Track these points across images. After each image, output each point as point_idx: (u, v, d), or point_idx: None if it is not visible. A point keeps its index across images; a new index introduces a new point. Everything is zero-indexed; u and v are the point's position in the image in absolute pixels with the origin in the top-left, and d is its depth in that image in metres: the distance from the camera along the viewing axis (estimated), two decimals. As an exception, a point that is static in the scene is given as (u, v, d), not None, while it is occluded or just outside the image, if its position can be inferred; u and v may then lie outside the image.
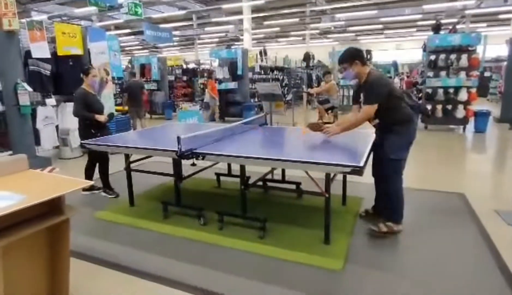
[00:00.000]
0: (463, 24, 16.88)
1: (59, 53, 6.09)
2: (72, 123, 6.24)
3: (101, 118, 4.04)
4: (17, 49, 5.40)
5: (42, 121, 5.93)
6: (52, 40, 6.05)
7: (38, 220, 1.90)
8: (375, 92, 2.84)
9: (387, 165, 2.93)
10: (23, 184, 2.04)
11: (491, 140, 7.70)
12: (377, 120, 2.98)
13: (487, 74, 17.57)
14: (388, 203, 3.04)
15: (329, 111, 8.23)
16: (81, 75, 4.16)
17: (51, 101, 6.11)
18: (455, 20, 16.85)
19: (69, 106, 6.27)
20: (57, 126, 6.24)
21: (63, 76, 6.28)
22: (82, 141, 3.91)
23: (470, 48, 8.26)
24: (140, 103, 8.53)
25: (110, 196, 4.16)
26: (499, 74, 15.60)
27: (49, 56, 5.89)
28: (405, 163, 3.00)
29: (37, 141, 5.95)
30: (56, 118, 6.20)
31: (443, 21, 14.07)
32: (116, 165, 4.48)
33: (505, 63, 11.92)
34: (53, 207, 1.98)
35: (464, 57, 8.15)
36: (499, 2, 14.65)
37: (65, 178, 2.17)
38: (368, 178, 2.75)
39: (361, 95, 3.04)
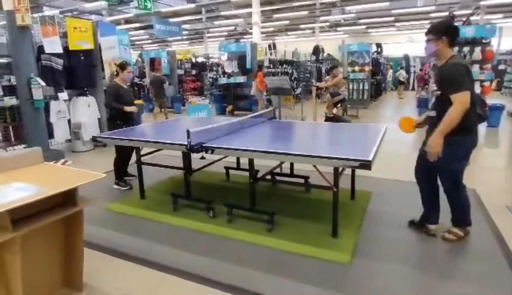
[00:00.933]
0: (477, 16, 16.46)
1: (71, 47, 6.17)
2: (84, 117, 6.37)
3: (131, 108, 4.27)
4: (30, 44, 5.49)
5: (56, 115, 6.06)
6: (64, 35, 6.13)
7: (54, 211, 1.96)
8: (465, 78, 2.42)
9: (446, 176, 2.69)
10: (39, 176, 2.10)
11: (504, 135, 7.55)
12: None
13: (501, 67, 17.15)
14: (459, 210, 2.79)
15: (338, 105, 8.17)
16: (116, 69, 4.48)
17: (64, 95, 6.22)
18: (469, 11, 16.44)
19: (81, 100, 6.39)
20: (69, 120, 6.35)
21: (75, 71, 6.37)
22: (94, 135, 4.00)
23: (484, 41, 8.07)
24: (163, 96, 10.32)
25: (123, 188, 4.24)
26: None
27: (61, 51, 5.98)
28: (463, 174, 2.70)
29: (50, 135, 6.08)
30: (68, 112, 6.31)
31: (457, 13, 13.76)
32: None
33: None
34: (68, 198, 2.04)
35: (477, 50, 7.96)
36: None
37: (79, 171, 2.23)
38: (376, 172, 2.74)
39: (435, 81, 2.64)
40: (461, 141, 2.53)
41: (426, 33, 2.67)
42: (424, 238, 2.86)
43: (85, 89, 6.50)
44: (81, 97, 6.41)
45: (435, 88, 2.62)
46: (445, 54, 2.58)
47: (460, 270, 2.43)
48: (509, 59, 17.07)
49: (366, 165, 2.35)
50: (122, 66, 4.38)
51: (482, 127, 8.01)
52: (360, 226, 3.10)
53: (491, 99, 8.70)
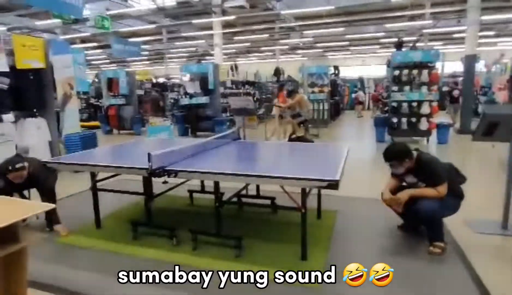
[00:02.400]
0: (422, 42, 17.97)
1: (18, 66, 5.73)
2: (32, 139, 5.88)
3: None
4: (-30, 62, 5.04)
5: (-4, 139, 5.50)
6: (10, 53, 5.70)
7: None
8: (440, 168, 2.90)
9: (428, 216, 2.88)
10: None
11: (453, 151, 8.11)
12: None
13: (445, 88, 18.70)
14: (434, 230, 2.95)
15: (301, 125, 8.33)
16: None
17: (9, 117, 5.71)
18: (414, 38, 17.91)
19: (30, 122, 5.91)
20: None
21: (23, 91, 5.91)
22: (44, 161, 3.65)
23: (430, 65, 8.77)
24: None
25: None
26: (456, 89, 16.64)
27: (6, 69, 5.53)
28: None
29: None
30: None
31: (404, 39, 14.91)
32: (80, 183, 4.21)
33: (461, 78, 12.79)
34: (8, 233, 1.80)
35: (425, 72, 8.62)
36: (453, 22, 15.80)
37: (22, 201, 2.00)
38: (341, 190, 2.75)
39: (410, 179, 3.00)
40: (449, 201, 2.87)
41: (387, 160, 2.95)
42: (391, 256, 2.89)
43: (35, 110, 6.04)
44: (30, 118, 5.94)
45: (415, 181, 2.97)
46: (412, 164, 2.92)
47: (427, 287, 2.46)
48: (452, 82, 18.68)
49: (333, 184, 2.34)
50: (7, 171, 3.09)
51: (432, 145, 8.57)
52: (328, 247, 3.07)
53: (439, 118, 9.39)
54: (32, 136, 5.89)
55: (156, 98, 14.03)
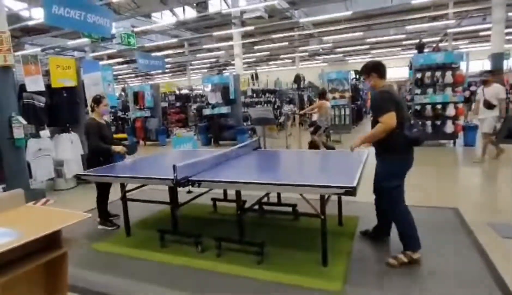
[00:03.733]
0: (446, 42, 17.50)
1: (53, 85, 6.17)
2: (66, 154, 6.27)
3: (119, 148, 4.09)
4: (11, 83, 5.47)
5: (34, 154, 5.91)
6: (47, 73, 6.15)
7: (36, 255, 1.90)
8: (385, 100, 2.78)
9: (383, 193, 2.97)
10: (20, 220, 2.05)
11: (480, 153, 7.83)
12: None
13: (472, 88, 18.04)
14: (400, 232, 2.90)
15: (322, 131, 8.33)
16: (91, 104, 4.25)
17: (46, 133, 6.14)
18: (437, 38, 17.48)
19: (64, 137, 6.31)
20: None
21: (58, 108, 6.34)
22: (78, 174, 3.93)
23: (454, 65, 8.57)
24: None
25: (110, 228, 4.07)
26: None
27: (43, 89, 5.96)
28: (402, 188, 2.95)
29: (30, 174, 5.91)
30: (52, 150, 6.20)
31: (426, 40, 14.60)
32: (111, 194, 4.46)
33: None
34: (51, 240, 1.99)
35: (448, 74, 8.43)
36: (478, 20, 15.30)
37: (62, 211, 2.19)
38: (363, 196, 2.79)
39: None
40: (391, 161, 2.88)
41: (359, 74, 3.11)
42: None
43: (68, 126, 6.45)
44: (64, 134, 6.34)
45: (370, 113, 2.99)
46: (379, 85, 2.98)
47: (450, 292, 2.45)
48: (479, 81, 18.00)
49: (350, 191, 2.40)
50: (97, 100, 4.15)
51: (459, 148, 8.32)
52: (349, 253, 3.10)
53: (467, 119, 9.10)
54: (66, 151, 6.28)
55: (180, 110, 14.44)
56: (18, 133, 5.31)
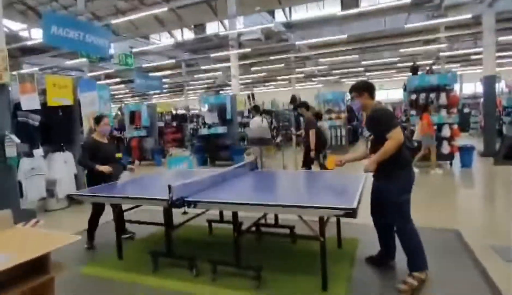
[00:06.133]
0: (439, 65, 17.89)
1: (49, 104, 6.12)
2: (59, 173, 6.15)
3: (104, 168, 3.89)
4: (6, 101, 5.42)
5: (26, 173, 5.78)
6: (43, 92, 6.12)
7: (21, 279, 1.79)
8: (389, 118, 2.85)
9: (392, 211, 2.84)
10: (8, 242, 1.95)
11: (478, 175, 7.84)
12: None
13: (466, 110, 18.34)
14: (408, 253, 2.81)
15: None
16: (91, 126, 4.21)
17: (39, 151, 6.04)
18: (430, 61, 17.88)
19: (57, 156, 6.22)
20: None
21: (52, 126, 6.27)
22: (69, 194, 3.83)
23: (448, 87, 8.70)
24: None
25: (125, 236, 4.06)
26: (477, 110, 16.30)
27: (39, 107, 5.91)
28: (409, 206, 2.89)
29: (20, 193, 5.76)
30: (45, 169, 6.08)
31: (420, 63, 14.93)
32: (105, 214, 4.33)
33: (481, 99, 12.54)
34: (38, 264, 1.88)
35: (443, 95, 8.54)
36: (470, 44, 15.72)
37: (50, 234, 2.10)
38: (362, 218, 2.72)
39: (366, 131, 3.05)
40: (400, 176, 2.82)
41: (350, 92, 3.16)
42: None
43: (62, 145, 6.36)
44: (57, 153, 6.25)
45: (369, 134, 2.99)
46: (369, 104, 3.01)
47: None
48: (472, 103, 18.32)
49: (351, 212, 2.33)
50: (98, 119, 4.15)
51: (456, 169, 8.32)
52: (350, 277, 3.00)
53: (461, 141, 9.16)
54: (60, 170, 6.17)
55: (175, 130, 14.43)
56: (10, 152, 5.21)
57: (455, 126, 8.51)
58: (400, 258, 2.98)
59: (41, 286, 1.92)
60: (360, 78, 26.07)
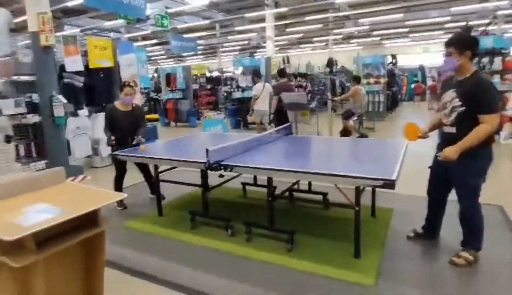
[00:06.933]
0: (495, 26, 16.17)
1: (91, 66, 6.35)
2: (102, 133, 6.49)
3: (113, 142, 3.96)
4: (52, 63, 5.68)
5: (73, 132, 6.17)
6: (85, 53, 6.32)
7: (76, 232, 1.97)
8: (496, 97, 2.40)
9: (465, 194, 2.58)
10: (62, 197, 2.12)
11: (529, 147, 7.28)
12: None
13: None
14: (469, 232, 2.68)
15: (354, 118, 8.06)
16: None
17: (84, 112, 6.37)
18: (486, 21, 16.18)
19: (100, 116, 6.52)
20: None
21: (95, 88, 6.54)
22: (111, 153, 4.04)
23: (504, 51, 7.91)
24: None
25: (118, 208, 4.13)
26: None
27: (82, 69, 6.15)
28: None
29: (69, 151, 6.19)
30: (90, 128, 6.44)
31: (472, 23, 13.55)
32: (136, 177, 4.56)
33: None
34: (90, 219, 2.05)
35: (497, 60, 7.80)
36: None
37: (101, 191, 2.25)
38: (398, 187, 2.64)
39: (452, 97, 2.52)
40: (483, 153, 2.47)
41: (447, 45, 2.51)
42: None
43: (104, 105, 6.63)
44: (100, 113, 6.55)
45: (459, 104, 2.45)
46: (469, 68, 2.47)
47: (493, 292, 2.30)
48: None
49: (389, 184, 2.28)
50: (120, 87, 4.10)
51: (506, 141, 7.75)
52: (383, 245, 2.99)
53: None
54: (102, 130, 6.49)
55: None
56: (58, 111, 5.55)
57: (508, 95, 7.82)
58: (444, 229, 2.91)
59: (93, 238, 2.10)
60: (404, 40, 24.34)
